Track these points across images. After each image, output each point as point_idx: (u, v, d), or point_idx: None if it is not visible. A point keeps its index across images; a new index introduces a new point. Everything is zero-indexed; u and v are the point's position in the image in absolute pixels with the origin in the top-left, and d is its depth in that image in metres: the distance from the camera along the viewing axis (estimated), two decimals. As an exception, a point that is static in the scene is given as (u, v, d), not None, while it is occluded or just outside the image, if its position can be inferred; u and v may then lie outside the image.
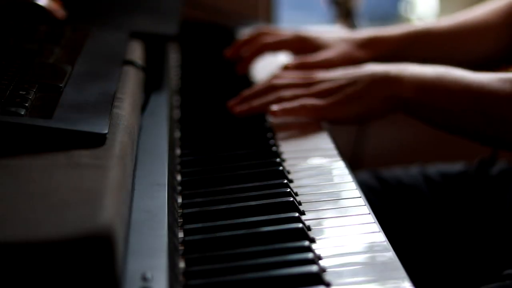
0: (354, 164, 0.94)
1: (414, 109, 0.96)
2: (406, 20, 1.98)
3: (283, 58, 1.23)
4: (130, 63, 0.91)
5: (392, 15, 2.05)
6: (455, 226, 1.08)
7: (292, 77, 1.02)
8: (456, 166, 1.16)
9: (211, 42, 1.41)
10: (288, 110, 0.96)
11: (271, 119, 0.98)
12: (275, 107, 0.95)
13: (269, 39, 1.14)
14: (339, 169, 0.85)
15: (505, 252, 1.02)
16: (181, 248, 0.69)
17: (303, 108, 0.96)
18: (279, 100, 0.97)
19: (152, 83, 0.95)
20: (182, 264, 0.66)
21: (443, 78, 0.94)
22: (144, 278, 0.59)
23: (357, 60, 1.09)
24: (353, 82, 0.97)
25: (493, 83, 0.91)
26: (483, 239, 1.06)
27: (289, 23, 1.88)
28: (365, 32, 1.15)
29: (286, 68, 1.08)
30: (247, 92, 1.00)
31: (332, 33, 1.18)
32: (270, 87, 0.99)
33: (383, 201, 1.11)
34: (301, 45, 1.13)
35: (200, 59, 1.30)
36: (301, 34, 1.14)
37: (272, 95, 0.98)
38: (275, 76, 1.03)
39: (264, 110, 0.97)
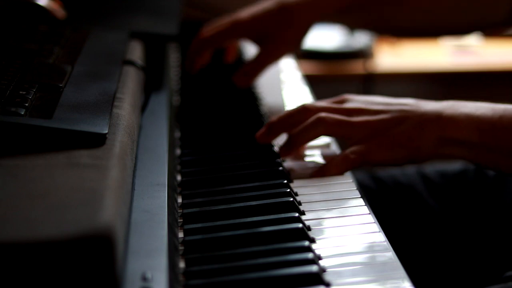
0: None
1: (474, 153, 0.84)
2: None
3: (285, 68, 1.23)
4: (130, 63, 0.92)
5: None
6: (454, 226, 1.08)
7: (324, 101, 0.91)
8: (455, 165, 1.15)
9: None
10: (339, 166, 0.85)
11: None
12: (327, 165, 0.85)
13: (207, 34, 1.07)
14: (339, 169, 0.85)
15: (505, 251, 1.02)
16: (181, 248, 0.69)
17: (347, 160, 0.85)
18: (322, 124, 0.86)
19: (152, 83, 0.95)
20: (182, 264, 0.66)
21: (509, 116, 0.83)
22: (144, 278, 0.59)
23: (301, 30, 1.05)
24: (399, 121, 0.86)
25: None
26: (482, 239, 1.06)
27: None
28: None
29: (237, 74, 1.05)
30: (274, 120, 0.89)
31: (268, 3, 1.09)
32: (302, 110, 0.88)
33: (380, 202, 1.10)
34: (238, 33, 1.07)
35: (200, 59, 1.30)
36: (237, 20, 1.06)
37: (312, 118, 0.86)
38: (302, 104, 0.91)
39: (308, 139, 0.88)
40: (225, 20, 1.09)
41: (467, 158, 0.85)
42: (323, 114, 0.86)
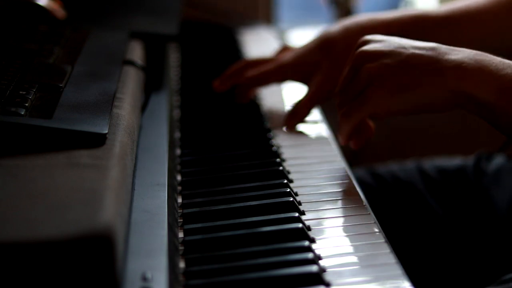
0: (351, 161, 0.93)
1: (491, 115, 0.79)
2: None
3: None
4: (130, 63, 0.92)
5: (392, 15, 2.04)
6: (453, 224, 1.08)
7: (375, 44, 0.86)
8: (453, 161, 1.15)
9: (211, 42, 1.41)
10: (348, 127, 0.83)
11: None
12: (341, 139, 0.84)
13: (251, 73, 1.03)
14: (340, 169, 0.85)
15: (505, 249, 1.02)
16: (181, 248, 0.69)
17: (355, 116, 0.82)
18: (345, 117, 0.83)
19: (152, 83, 0.95)
20: (182, 264, 0.66)
21: None
22: (144, 278, 0.59)
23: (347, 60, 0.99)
24: (409, 69, 0.80)
25: None
26: (481, 237, 1.06)
27: (289, 23, 1.88)
28: (348, 23, 1.03)
29: (290, 116, 1.00)
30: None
31: (312, 40, 1.04)
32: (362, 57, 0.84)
33: (379, 199, 1.10)
34: (285, 75, 1.03)
35: (200, 59, 1.30)
36: (282, 63, 1.02)
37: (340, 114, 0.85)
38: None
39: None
40: (269, 63, 1.04)
41: (482, 117, 0.80)
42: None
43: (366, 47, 0.84)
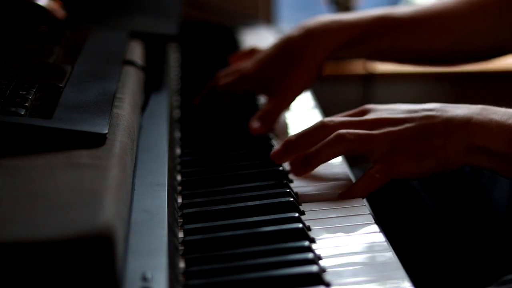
0: (350, 162, 0.93)
1: (505, 166, 0.79)
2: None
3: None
4: (130, 63, 0.92)
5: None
6: (452, 222, 1.08)
7: (343, 115, 0.86)
8: None
9: (211, 42, 1.41)
10: (364, 189, 0.79)
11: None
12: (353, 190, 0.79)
13: (221, 81, 1.02)
14: (340, 169, 0.85)
15: (503, 249, 1.02)
16: (181, 248, 0.69)
17: (373, 180, 0.79)
18: (341, 142, 0.80)
19: (152, 83, 0.95)
20: (182, 264, 0.66)
21: None
22: (144, 278, 0.59)
23: (313, 68, 0.98)
24: (424, 129, 0.80)
25: None
26: (480, 237, 1.06)
27: (289, 23, 1.89)
28: (313, 21, 1.00)
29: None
30: (291, 137, 0.83)
31: (272, 46, 1.02)
32: (321, 127, 0.82)
33: (377, 199, 1.10)
34: (243, 87, 1.01)
35: (200, 59, 1.30)
36: (241, 73, 1.00)
37: (331, 136, 0.80)
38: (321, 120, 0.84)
39: (326, 159, 0.81)
40: (231, 71, 1.03)
41: (495, 168, 0.80)
42: (342, 131, 0.80)
43: (374, 116, 0.83)
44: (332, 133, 0.80)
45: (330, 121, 0.82)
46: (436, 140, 0.79)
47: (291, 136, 0.83)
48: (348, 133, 0.80)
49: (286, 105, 0.99)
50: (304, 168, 0.82)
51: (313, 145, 0.81)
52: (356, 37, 1.00)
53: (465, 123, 0.79)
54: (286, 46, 0.99)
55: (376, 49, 1.02)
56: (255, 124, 0.96)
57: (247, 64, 1.02)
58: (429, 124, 0.80)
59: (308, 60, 0.98)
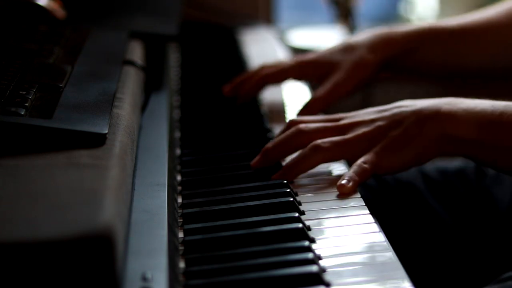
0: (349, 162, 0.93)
1: (475, 151, 0.82)
2: (406, 20, 1.98)
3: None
4: (130, 63, 0.92)
5: (392, 15, 2.05)
6: (454, 224, 1.08)
7: (317, 120, 0.87)
8: (454, 163, 1.15)
9: (211, 42, 1.41)
10: (356, 180, 0.80)
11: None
12: (344, 181, 0.79)
13: (269, 70, 1.03)
14: (339, 169, 0.85)
15: (504, 250, 1.02)
16: (181, 248, 0.69)
17: (365, 171, 0.80)
18: (319, 153, 0.81)
19: (152, 83, 0.95)
20: (182, 264, 0.66)
21: (510, 113, 0.80)
22: (144, 278, 0.59)
23: (368, 65, 1.02)
24: (396, 122, 0.82)
25: None
26: (482, 237, 1.06)
27: (289, 23, 1.89)
28: (368, 33, 1.06)
29: (303, 111, 0.99)
30: (269, 145, 0.84)
31: (334, 45, 1.07)
32: (297, 133, 0.84)
33: (380, 199, 1.10)
34: (304, 71, 1.04)
35: (200, 59, 1.30)
36: (302, 59, 1.04)
37: (307, 149, 0.82)
38: (294, 121, 0.86)
39: (305, 170, 0.83)
40: (287, 60, 1.07)
41: (468, 155, 0.83)
42: (318, 141, 0.82)
43: (347, 121, 0.85)
44: (307, 140, 0.82)
45: (305, 127, 0.84)
46: (410, 130, 0.81)
47: (268, 145, 0.84)
48: (323, 142, 0.82)
49: (334, 95, 1.01)
50: (283, 177, 0.82)
51: (290, 151, 0.84)
52: (406, 48, 1.04)
53: (435, 113, 0.82)
54: (347, 45, 1.04)
55: (426, 60, 1.05)
56: (304, 113, 0.99)
57: (306, 55, 1.06)
58: (400, 118, 0.83)
59: (365, 61, 1.02)
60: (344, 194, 0.79)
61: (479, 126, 0.81)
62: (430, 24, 1.07)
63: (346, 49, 1.03)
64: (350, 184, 0.79)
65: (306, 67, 1.04)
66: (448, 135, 0.81)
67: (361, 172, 0.80)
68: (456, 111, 0.82)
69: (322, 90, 1.01)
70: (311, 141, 0.82)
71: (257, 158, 0.84)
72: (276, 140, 0.85)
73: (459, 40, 1.04)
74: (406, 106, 0.84)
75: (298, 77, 1.05)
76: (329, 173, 0.85)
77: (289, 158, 0.84)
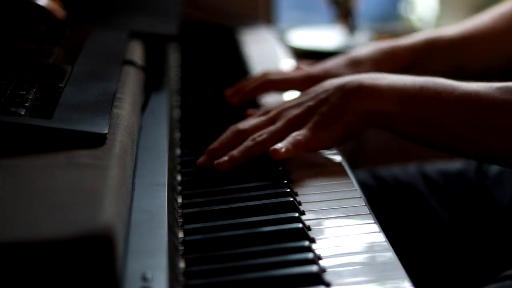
0: (352, 163, 0.93)
1: (399, 125, 0.85)
2: (406, 20, 1.98)
3: (285, 68, 1.23)
4: (130, 63, 0.92)
5: (392, 15, 2.05)
6: (454, 225, 1.08)
7: (253, 117, 0.91)
8: (455, 164, 1.15)
9: (211, 42, 1.41)
10: (290, 149, 0.83)
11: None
12: (277, 146, 0.83)
13: (275, 77, 1.03)
14: (339, 169, 0.85)
15: (504, 251, 1.02)
16: (181, 248, 0.69)
17: (298, 142, 0.84)
18: (258, 144, 0.85)
19: (152, 83, 0.95)
20: (182, 264, 0.66)
21: (429, 87, 0.83)
22: (144, 278, 0.59)
23: None
24: (323, 100, 0.86)
25: (492, 92, 0.82)
26: (482, 238, 1.06)
27: (289, 23, 1.89)
28: (373, 46, 1.07)
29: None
30: (212, 146, 0.87)
31: (337, 58, 1.07)
32: (237, 132, 0.87)
33: (381, 201, 1.10)
34: (309, 85, 1.00)
35: (200, 59, 1.30)
36: (310, 73, 1.03)
37: (247, 141, 0.85)
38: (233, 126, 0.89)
39: (245, 159, 0.85)
40: (296, 71, 1.06)
41: (392, 129, 0.85)
42: (255, 135, 0.85)
43: (278, 109, 0.89)
44: (247, 137, 0.86)
45: (243, 125, 0.88)
46: (336, 106, 0.85)
47: (213, 144, 0.87)
48: (261, 134, 0.85)
49: None
50: (228, 166, 0.84)
51: (233, 149, 0.85)
52: (409, 61, 1.04)
53: (358, 87, 0.85)
54: (351, 60, 1.04)
55: (430, 70, 1.05)
56: None
57: (313, 68, 1.06)
58: (326, 95, 0.86)
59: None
60: (276, 158, 0.82)
61: (400, 100, 0.83)
62: (431, 35, 1.07)
63: (352, 63, 1.04)
64: (283, 150, 0.82)
65: (314, 81, 1.00)
66: (372, 109, 0.84)
67: (295, 143, 0.83)
68: (379, 86, 0.84)
69: None
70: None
71: (203, 157, 0.86)
72: (219, 140, 0.87)
73: (459, 49, 1.06)
74: (330, 84, 0.87)
75: (304, 89, 1.02)
76: (330, 173, 0.84)
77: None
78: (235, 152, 0.84)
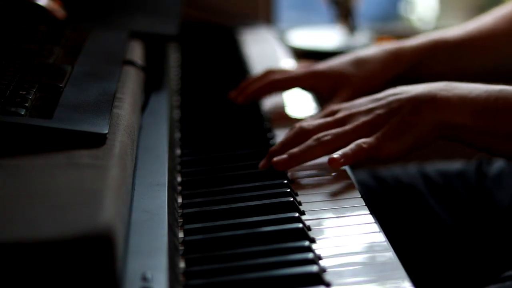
0: (353, 164, 0.93)
1: (470, 137, 0.83)
2: (406, 20, 1.98)
3: (285, 68, 1.22)
4: (130, 63, 0.92)
5: (392, 15, 2.05)
6: (454, 225, 1.08)
7: (318, 117, 0.89)
8: (455, 165, 1.16)
9: (211, 42, 1.41)
10: (349, 155, 0.81)
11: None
12: (336, 155, 0.81)
13: (278, 76, 1.03)
14: (340, 169, 0.85)
15: (504, 251, 1.03)
16: (181, 248, 0.69)
17: (361, 150, 0.82)
18: (321, 144, 0.83)
19: (152, 83, 0.95)
20: (182, 264, 0.66)
21: (504, 98, 0.82)
22: (144, 278, 0.59)
23: (377, 82, 1.02)
24: (395, 110, 0.84)
25: None
26: (482, 238, 1.06)
27: (289, 23, 1.89)
28: (379, 47, 1.07)
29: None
30: (274, 148, 0.85)
31: (343, 57, 1.07)
32: (300, 132, 0.85)
33: (381, 201, 1.10)
34: (317, 81, 1.03)
35: (200, 59, 1.30)
36: (315, 70, 1.03)
37: (310, 141, 0.83)
38: (298, 123, 0.88)
39: (309, 160, 0.84)
40: (301, 68, 1.06)
41: (459, 139, 0.84)
42: (320, 134, 0.84)
43: (346, 112, 0.87)
44: (311, 137, 0.84)
45: (308, 125, 0.86)
46: (408, 117, 0.83)
47: (274, 147, 0.85)
48: (325, 135, 0.84)
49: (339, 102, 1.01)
50: (286, 165, 0.83)
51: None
52: (414, 63, 1.04)
53: (431, 99, 0.83)
54: (356, 59, 1.04)
55: (434, 71, 1.05)
56: None
57: (318, 65, 1.05)
58: (398, 105, 0.84)
59: (372, 75, 1.03)
60: (333, 167, 0.82)
61: (472, 113, 0.82)
62: (435, 36, 1.07)
63: (358, 63, 1.03)
64: (342, 160, 0.81)
65: (319, 77, 1.03)
66: (445, 122, 0.83)
67: (357, 150, 0.82)
68: (451, 98, 0.83)
69: (335, 101, 1.01)
70: None
71: (263, 161, 0.84)
72: (281, 141, 0.86)
73: (463, 51, 1.06)
74: (401, 93, 0.86)
75: (309, 86, 1.04)
76: (330, 173, 0.84)
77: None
78: (295, 150, 0.83)
